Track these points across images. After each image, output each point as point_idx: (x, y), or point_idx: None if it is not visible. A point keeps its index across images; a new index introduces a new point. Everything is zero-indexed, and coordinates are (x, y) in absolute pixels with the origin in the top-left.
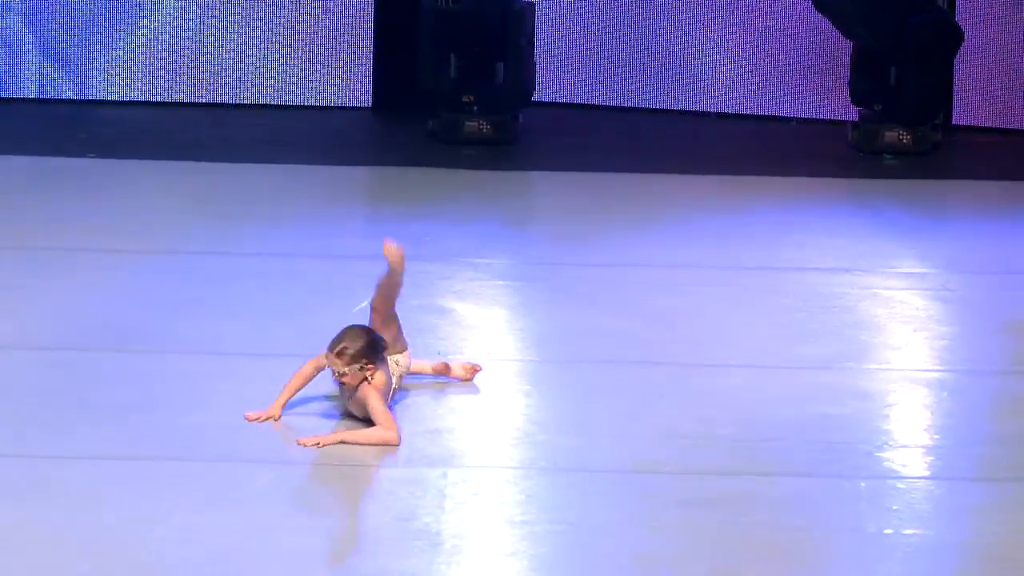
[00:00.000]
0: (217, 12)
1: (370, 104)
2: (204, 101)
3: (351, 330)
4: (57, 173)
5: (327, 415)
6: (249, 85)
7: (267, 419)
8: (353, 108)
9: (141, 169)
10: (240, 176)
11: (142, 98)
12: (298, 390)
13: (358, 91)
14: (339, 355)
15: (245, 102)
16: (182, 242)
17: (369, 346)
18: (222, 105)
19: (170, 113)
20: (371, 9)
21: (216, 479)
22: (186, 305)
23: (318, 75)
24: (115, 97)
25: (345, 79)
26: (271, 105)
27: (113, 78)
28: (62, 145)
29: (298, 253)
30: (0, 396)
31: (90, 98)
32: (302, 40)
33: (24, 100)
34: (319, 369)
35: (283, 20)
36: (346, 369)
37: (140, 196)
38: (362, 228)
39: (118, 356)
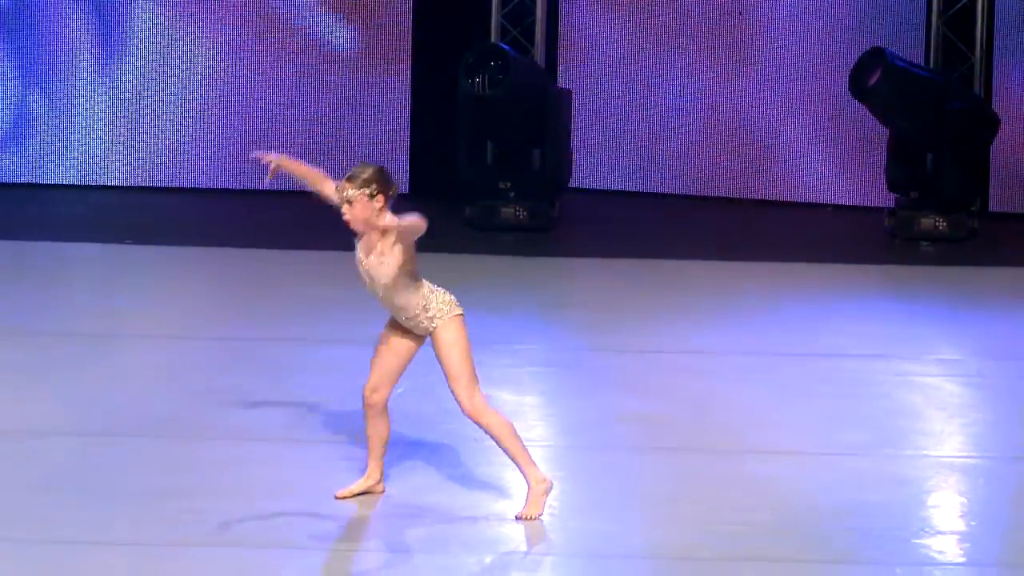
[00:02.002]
0: (258, 99)
1: (407, 190)
2: (241, 188)
3: (363, 163)
4: (85, 259)
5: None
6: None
7: (275, 164)
8: None
9: (174, 255)
10: (278, 262)
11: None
12: (305, 176)
13: (395, 177)
14: (349, 179)
15: (283, 188)
16: (221, 328)
17: (379, 173)
18: (261, 192)
19: (208, 199)
20: (408, 96)
21: (252, 565)
22: (222, 391)
23: (356, 161)
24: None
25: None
26: (309, 192)
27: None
28: (93, 231)
29: (331, 340)
30: (38, 481)
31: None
32: (341, 127)
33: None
34: (327, 194)
35: (323, 107)
36: (354, 192)
37: (175, 281)
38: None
39: (154, 442)
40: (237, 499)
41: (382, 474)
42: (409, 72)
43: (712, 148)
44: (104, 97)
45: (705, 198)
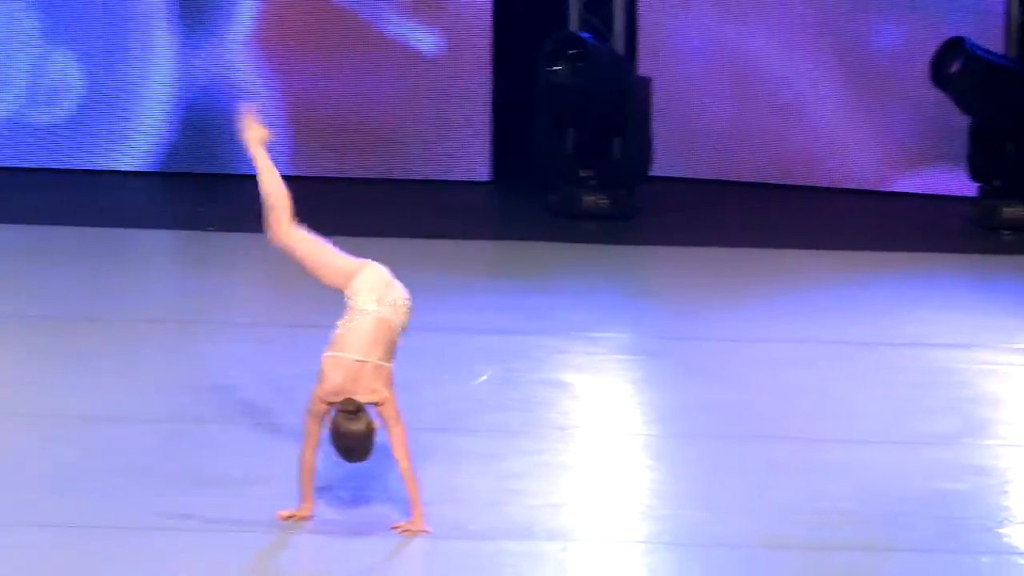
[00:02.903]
0: (338, 83)
1: (489, 178)
2: (316, 175)
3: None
4: (167, 246)
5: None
6: (372, 158)
7: (300, 518)
8: (472, 183)
9: (252, 242)
10: (360, 249)
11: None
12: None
13: (477, 165)
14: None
15: (371, 176)
16: (299, 316)
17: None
18: (348, 180)
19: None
20: (489, 84)
21: (340, 551)
22: (302, 379)
23: (437, 149)
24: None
25: (464, 154)
26: (391, 180)
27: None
28: (176, 218)
29: (416, 327)
30: (123, 467)
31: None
32: (421, 114)
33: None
34: (316, 446)
35: (404, 94)
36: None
37: (257, 269)
38: (480, 302)
39: (235, 429)
40: (319, 487)
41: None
42: (490, 59)
43: (793, 136)
44: (180, 87)
45: (786, 186)
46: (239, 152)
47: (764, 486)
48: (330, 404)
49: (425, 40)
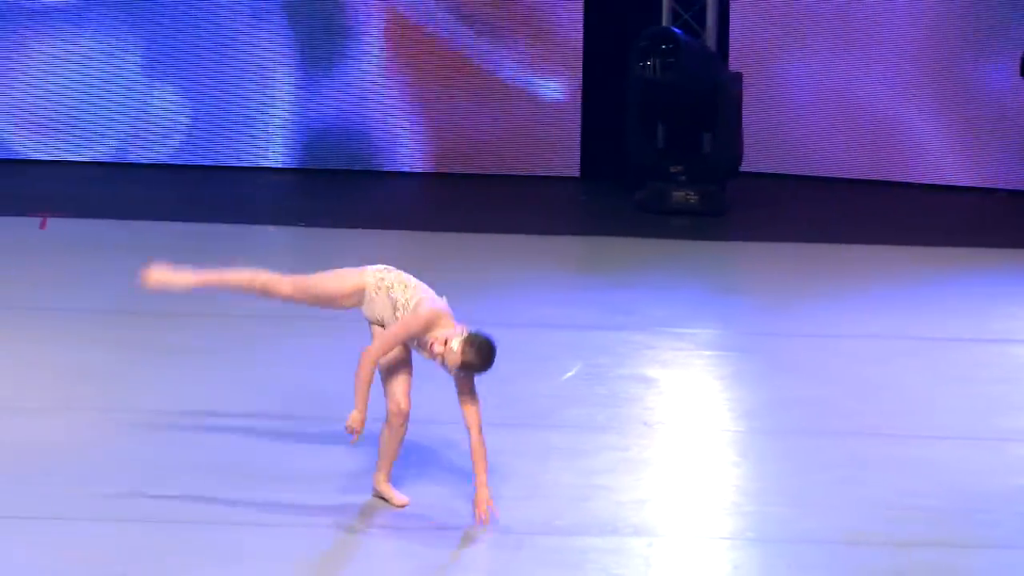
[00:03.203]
0: (437, 80)
1: (579, 174)
2: (417, 171)
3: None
4: (262, 240)
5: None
6: (463, 155)
7: (359, 429)
8: (561, 178)
9: (342, 237)
10: (447, 244)
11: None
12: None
13: (567, 161)
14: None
15: (467, 172)
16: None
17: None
18: (440, 175)
19: (400, 182)
20: (580, 80)
21: (427, 547)
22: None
23: (528, 145)
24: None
25: (554, 149)
26: (483, 176)
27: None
28: (264, 214)
29: (501, 322)
30: (212, 463)
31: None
32: (513, 110)
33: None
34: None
35: (496, 89)
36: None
37: (353, 263)
38: (568, 297)
39: (320, 424)
40: (406, 482)
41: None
42: (581, 55)
43: (883, 131)
44: (286, 89)
45: (875, 182)
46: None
47: (848, 482)
48: (420, 335)
49: (517, 36)
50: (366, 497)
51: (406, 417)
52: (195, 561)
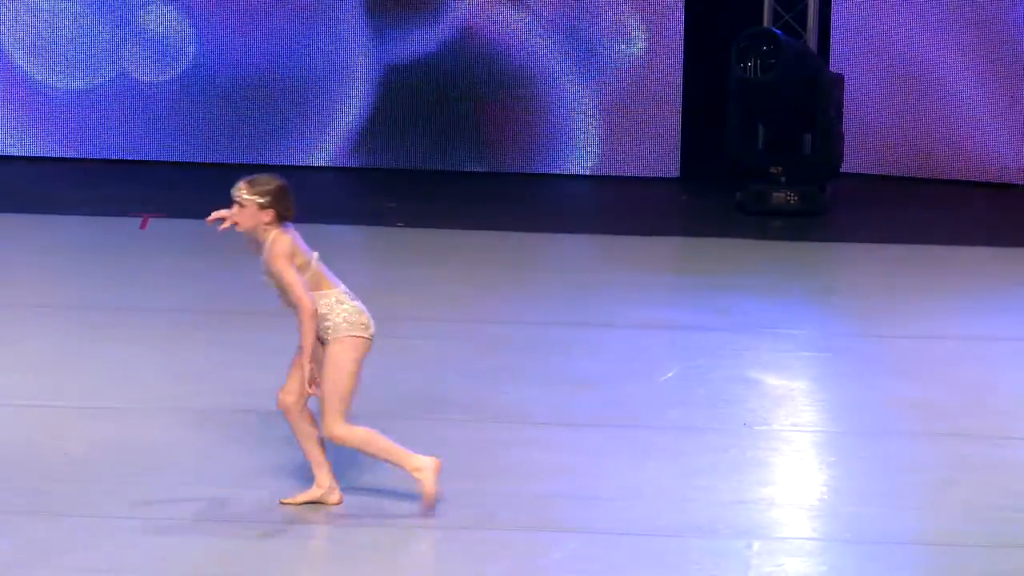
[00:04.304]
0: (529, 82)
1: (678, 175)
2: (515, 171)
3: (272, 176)
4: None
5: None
6: (565, 155)
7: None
8: (661, 179)
9: (441, 238)
10: (544, 245)
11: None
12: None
13: (667, 162)
14: (249, 182)
15: (563, 172)
16: (489, 312)
17: (278, 191)
18: (541, 175)
19: (469, 179)
20: (680, 80)
21: (527, 546)
22: (492, 373)
23: (627, 146)
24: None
25: (654, 150)
26: (581, 176)
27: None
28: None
29: (601, 322)
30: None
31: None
32: (613, 111)
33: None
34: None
35: (595, 91)
36: (245, 197)
37: (443, 264)
38: (668, 298)
39: (426, 423)
40: (499, 481)
41: (335, 481)
42: (681, 56)
43: (985, 133)
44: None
45: (976, 183)
46: (429, 148)
47: (947, 483)
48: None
49: (618, 38)
50: (464, 496)
51: (281, 406)
52: (302, 560)
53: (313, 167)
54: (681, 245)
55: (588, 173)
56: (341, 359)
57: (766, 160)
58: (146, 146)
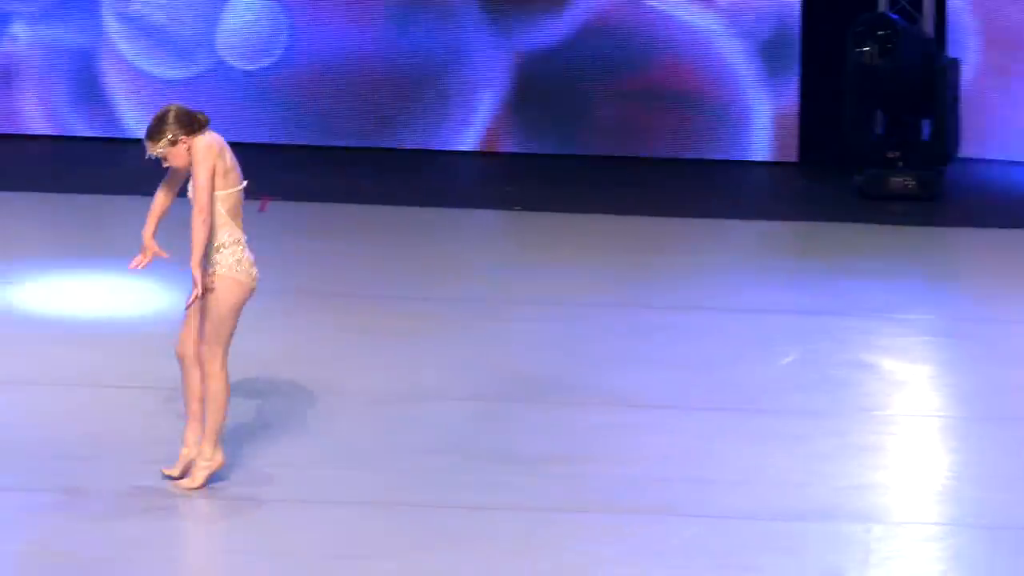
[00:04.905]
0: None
1: (796, 159)
2: (618, 154)
3: (159, 111)
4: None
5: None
6: (682, 139)
7: (147, 260)
8: (779, 163)
9: (561, 222)
10: (662, 229)
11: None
12: (158, 216)
13: (785, 147)
14: (149, 137)
15: (679, 156)
16: (606, 295)
17: (176, 119)
18: (659, 160)
19: (591, 164)
20: (798, 66)
21: (644, 530)
22: (607, 357)
23: (745, 130)
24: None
25: (772, 135)
26: (698, 160)
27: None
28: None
29: (719, 306)
30: (430, 446)
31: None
32: (730, 95)
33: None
34: (169, 190)
35: (713, 75)
36: (160, 150)
37: (563, 248)
38: (787, 282)
39: (540, 407)
40: (622, 465)
41: (212, 446)
42: (799, 41)
43: None
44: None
45: None
46: (561, 133)
47: None
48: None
49: (735, 22)
50: (582, 479)
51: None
52: (420, 543)
53: (436, 151)
54: (799, 229)
55: (708, 157)
56: (222, 299)
57: (884, 145)
58: (270, 130)
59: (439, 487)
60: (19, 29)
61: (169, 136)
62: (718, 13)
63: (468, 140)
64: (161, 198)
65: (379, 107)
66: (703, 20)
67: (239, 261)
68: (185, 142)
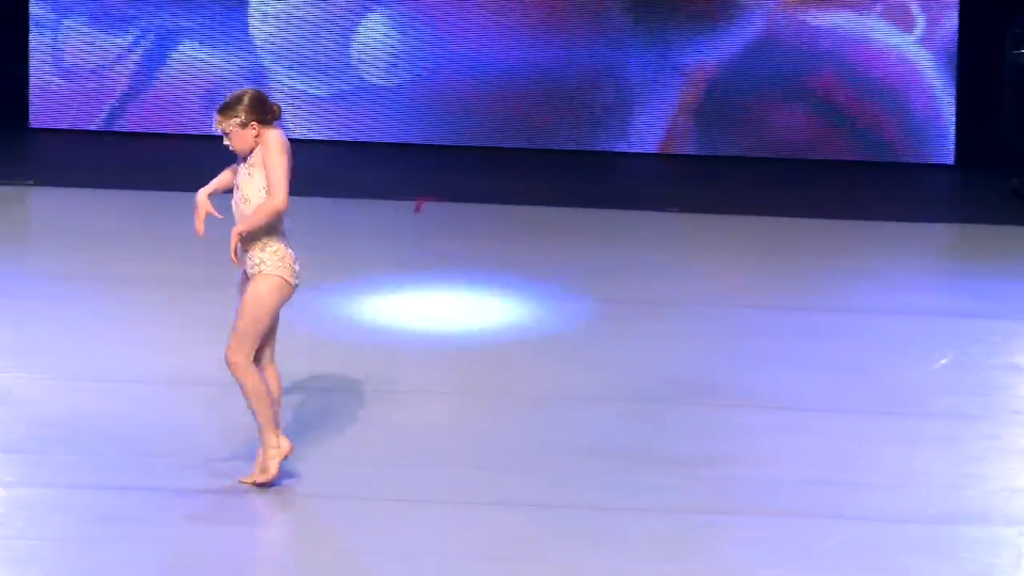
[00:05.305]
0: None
1: (952, 162)
2: (778, 157)
3: (239, 90)
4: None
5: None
6: (836, 141)
7: (203, 215)
8: (935, 166)
9: (716, 224)
10: (818, 232)
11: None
12: (218, 186)
13: (941, 149)
14: (221, 110)
15: (838, 159)
16: (755, 297)
17: (252, 103)
18: (812, 162)
19: (754, 167)
20: (954, 67)
21: (794, 533)
22: (759, 359)
23: (900, 133)
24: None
25: (927, 137)
26: (857, 162)
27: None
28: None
29: (873, 308)
30: (586, 446)
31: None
32: (881, 98)
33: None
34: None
35: (863, 78)
36: (229, 127)
37: (713, 250)
38: (941, 284)
39: (692, 409)
40: (773, 467)
41: (274, 435)
42: (955, 42)
43: None
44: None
45: None
46: (734, 136)
47: None
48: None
49: (894, 29)
50: (733, 481)
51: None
52: (564, 546)
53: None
54: (954, 232)
55: (863, 159)
56: (264, 296)
57: None
58: (425, 131)
59: (591, 488)
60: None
61: (242, 117)
62: (878, 21)
63: (637, 143)
64: (229, 175)
65: (543, 113)
66: (863, 29)
67: (283, 259)
68: (255, 128)
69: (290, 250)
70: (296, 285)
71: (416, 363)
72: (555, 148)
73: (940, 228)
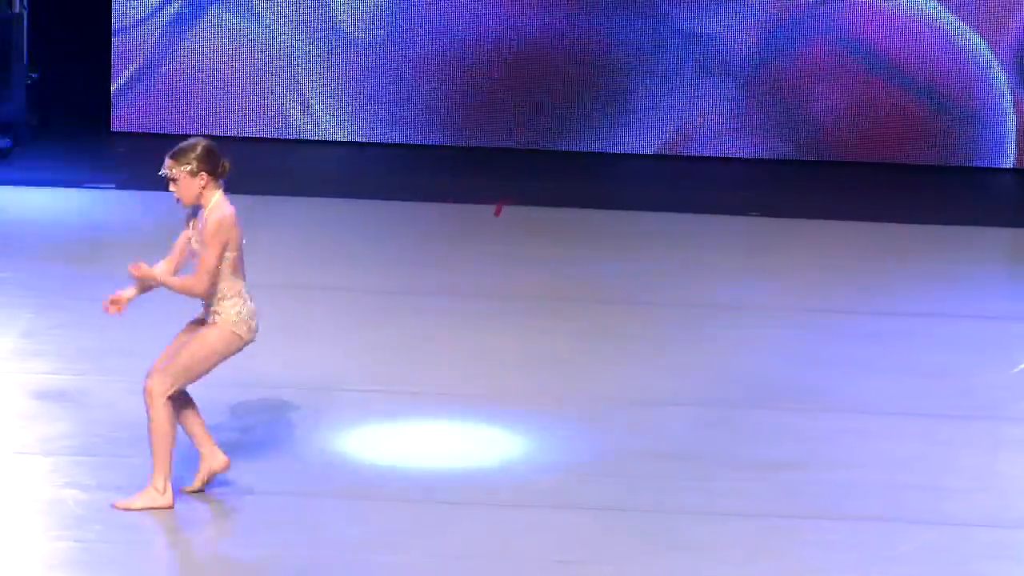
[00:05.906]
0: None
1: (1014, 165)
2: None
3: (193, 139)
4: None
5: None
6: (899, 144)
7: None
8: (996, 169)
9: (789, 228)
10: (904, 235)
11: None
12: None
13: (1002, 152)
14: (173, 155)
15: (899, 162)
16: (835, 302)
17: (204, 154)
18: (874, 164)
19: (830, 170)
20: (1014, 69)
21: (874, 538)
22: (834, 363)
23: (963, 136)
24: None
25: (988, 140)
26: (921, 166)
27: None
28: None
29: (957, 313)
30: (658, 451)
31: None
32: (975, 104)
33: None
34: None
35: (960, 81)
36: (176, 172)
37: (789, 254)
38: (1012, 290)
39: (768, 413)
40: (847, 471)
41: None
42: (1015, 44)
43: None
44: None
45: None
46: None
47: None
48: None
49: (982, 29)
50: (811, 485)
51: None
52: (636, 549)
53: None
54: (1021, 236)
55: (926, 163)
56: (212, 344)
57: None
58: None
59: (666, 492)
60: None
61: (193, 166)
62: (965, 21)
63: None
64: (177, 256)
65: (593, 111)
66: (950, 27)
67: (239, 314)
68: (203, 179)
69: (250, 304)
70: (250, 340)
71: (501, 372)
72: (632, 152)
73: (1007, 233)
